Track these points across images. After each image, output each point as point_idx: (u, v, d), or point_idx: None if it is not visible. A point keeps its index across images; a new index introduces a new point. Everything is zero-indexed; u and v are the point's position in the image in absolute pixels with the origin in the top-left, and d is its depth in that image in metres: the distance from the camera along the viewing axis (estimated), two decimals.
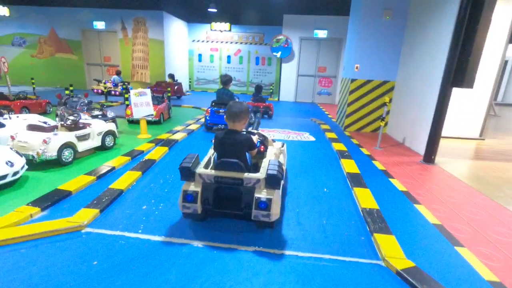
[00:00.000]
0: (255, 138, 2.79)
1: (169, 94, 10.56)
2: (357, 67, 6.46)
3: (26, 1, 12.52)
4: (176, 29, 13.61)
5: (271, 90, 13.65)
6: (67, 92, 7.16)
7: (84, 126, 4.09)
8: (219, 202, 2.48)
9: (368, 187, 3.38)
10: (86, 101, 5.36)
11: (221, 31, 13.99)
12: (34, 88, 10.35)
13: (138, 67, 13.06)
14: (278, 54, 12.32)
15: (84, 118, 4.82)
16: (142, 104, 5.06)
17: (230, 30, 13.12)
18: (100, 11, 12.62)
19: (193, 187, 2.40)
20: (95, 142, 4.17)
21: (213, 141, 2.66)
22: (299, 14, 11.97)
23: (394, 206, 3.03)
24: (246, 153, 2.58)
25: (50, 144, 3.50)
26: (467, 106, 6.02)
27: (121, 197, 2.97)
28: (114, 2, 12.22)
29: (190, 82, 15.50)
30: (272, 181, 2.31)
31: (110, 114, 5.23)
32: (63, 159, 3.65)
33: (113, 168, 3.65)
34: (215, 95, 5.92)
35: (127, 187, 3.16)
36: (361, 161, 4.46)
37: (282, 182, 2.72)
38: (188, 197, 2.37)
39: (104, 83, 10.76)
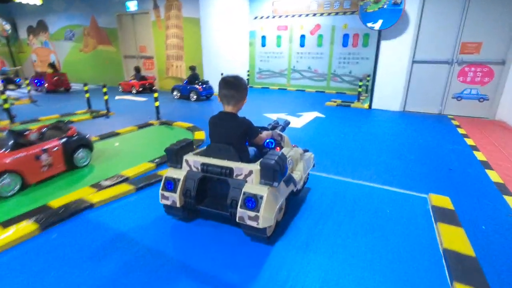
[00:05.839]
0: (265, 133, 2.26)
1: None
2: None
3: None
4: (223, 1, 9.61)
5: (360, 89, 8.07)
6: None
7: None
8: (203, 197, 2.05)
9: None
10: None
11: None
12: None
13: (173, 58, 9.83)
14: (377, 25, 6.69)
15: None
16: None
17: None
18: None
19: (175, 173, 2.02)
20: None
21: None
22: None
23: None
24: (246, 143, 2.10)
25: None
26: None
27: None
28: None
29: (248, 75, 11.35)
30: (266, 173, 1.76)
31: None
32: None
33: None
34: None
35: None
36: None
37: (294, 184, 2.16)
38: (168, 185, 2.01)
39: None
